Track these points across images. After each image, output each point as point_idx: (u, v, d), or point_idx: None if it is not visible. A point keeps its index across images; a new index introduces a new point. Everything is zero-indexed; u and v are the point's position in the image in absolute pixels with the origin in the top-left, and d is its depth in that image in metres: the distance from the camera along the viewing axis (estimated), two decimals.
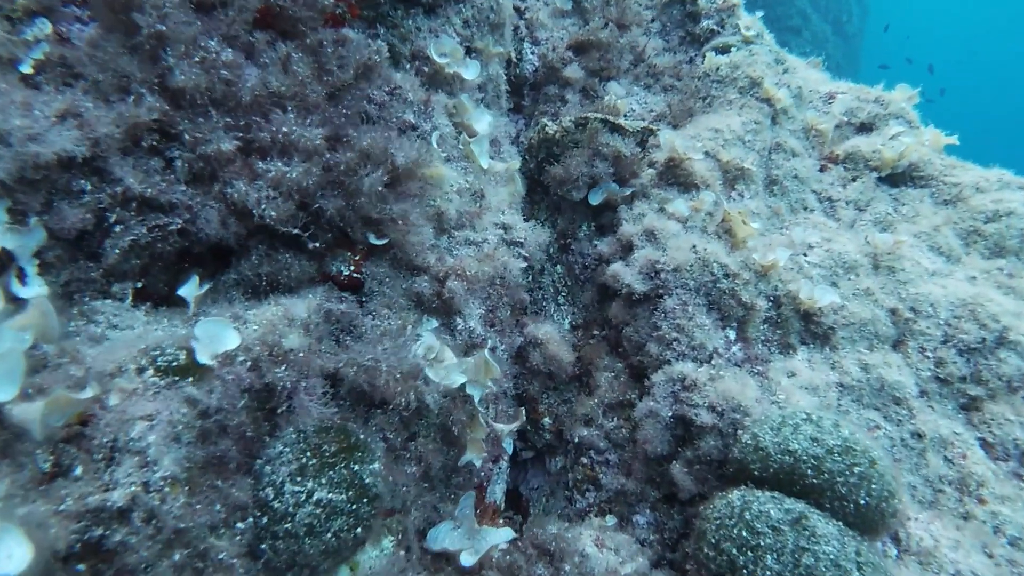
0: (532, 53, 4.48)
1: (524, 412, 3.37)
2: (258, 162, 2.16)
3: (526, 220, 3.95)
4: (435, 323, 2.56)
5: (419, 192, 2.52)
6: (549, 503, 3.48)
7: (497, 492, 3.16)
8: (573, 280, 3.71)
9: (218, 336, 1.87)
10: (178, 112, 2.07)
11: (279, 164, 2.14)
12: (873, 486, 2.32)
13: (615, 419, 3.18)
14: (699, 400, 2.75)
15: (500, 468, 3.11)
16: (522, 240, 2.99)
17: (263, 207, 2.11)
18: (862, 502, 2.30)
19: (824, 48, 21.37)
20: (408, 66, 3.02)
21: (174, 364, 1.75)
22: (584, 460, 3.23)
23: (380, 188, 2.30)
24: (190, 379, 1.77)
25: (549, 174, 3.49)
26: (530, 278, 3.85)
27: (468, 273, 2.50)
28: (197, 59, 2.06)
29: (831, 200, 3.69)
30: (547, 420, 3.39)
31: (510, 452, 3.06)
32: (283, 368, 2.02)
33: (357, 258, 2.53)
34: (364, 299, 2.57)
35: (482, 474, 2.84)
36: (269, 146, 2.17)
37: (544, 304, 3.79)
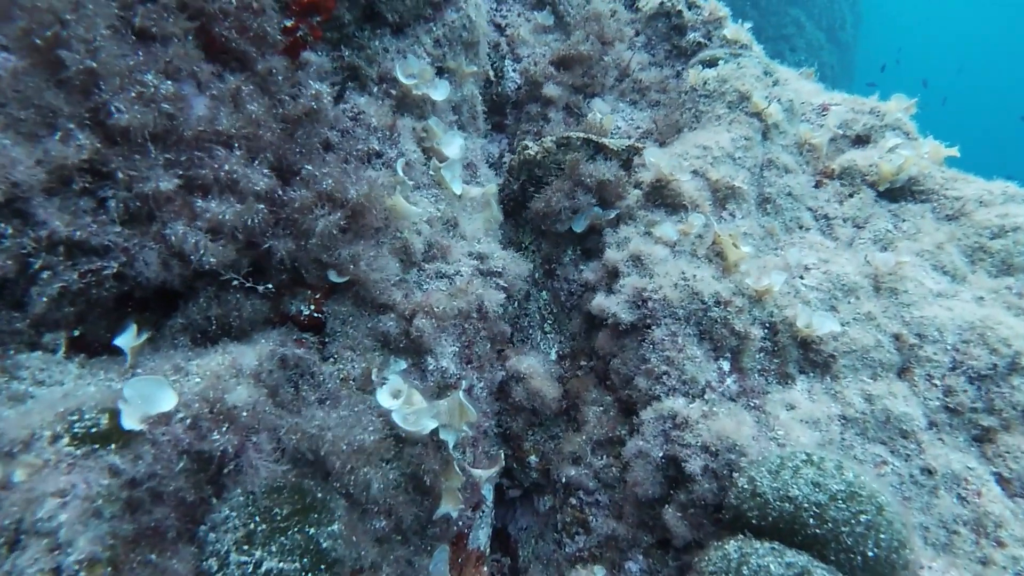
0: (514, 70, 4.33)
1: (504, 455, 3.18)
2: (198, 201, 1.98)
3: (508, 245, 3.79)
4: (403, 364, 2.37)
5: (381, 224, 2.34)
6: (538, 545, 3.27)
7: (481, 537, 2.96)
8: (559, 307, 3.53)
9: (151, 396, 1.69)
10: (112, 149, 1.90)
11: (214, 205, 1.96)
12: (882, 535, 2.12)
13: (604, 457, 2.99)
14: (691, 440, 2.55)
15: (483, 513, 2.91)
16: (500, 270, 2.81)
17: (201, 252, 1.93)
18: (870, 554, 2.10)
19: (819, 56, 21.30)
20: (376, 89, 2.86)
21: (93, 431, 1.56)
22: (573, 501, 3.03)
23: (334, 230, 2.13)
24: (113, 446, 1.58)
25: (531, 209, 3.33)
26: (515, 304, 3.67)
27: (436, 309, 2.32)
28: (133, 94, 1.90)
29: (827, 218, 3.51)
30: (533, 458, 3.19)
31: (491, 499, 2.86)
32: (226, 427, 1.83)
33: (317, 296, 2.35)
34: (326, 339, 2.39)
35: (460, 523, 2.64)
36: (211, 184, 2.00)
37: (530, 332, 3.61)
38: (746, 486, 2.33)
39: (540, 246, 3.69)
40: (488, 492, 2.83)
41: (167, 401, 1.70)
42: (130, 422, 1.61)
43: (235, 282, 2.05)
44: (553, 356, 3.46)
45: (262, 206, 2.09)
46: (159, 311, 2.21)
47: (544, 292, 3.62)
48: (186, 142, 1.99)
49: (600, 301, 3.02)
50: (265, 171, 2.06)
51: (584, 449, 3.01)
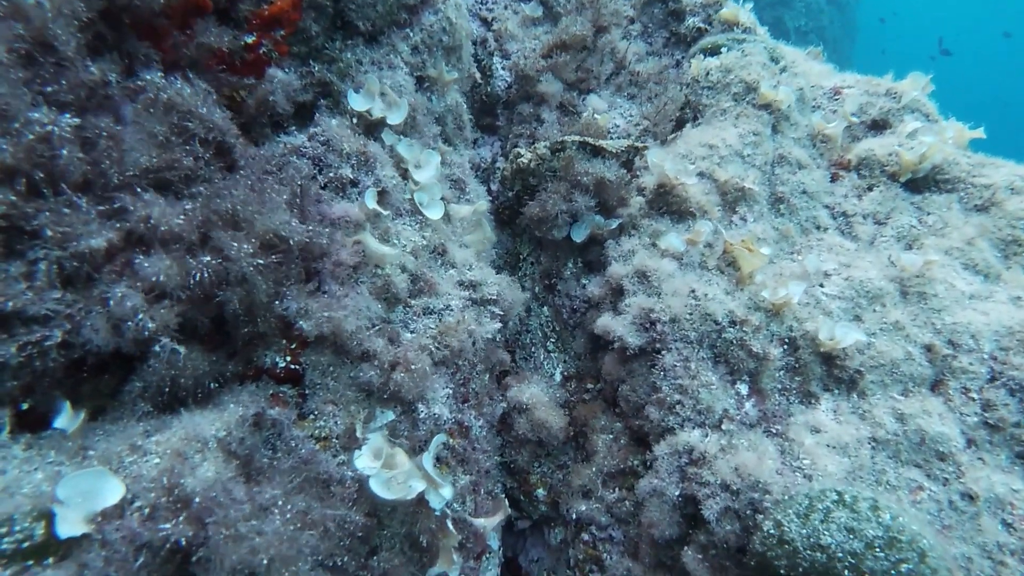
0: (503, 68, 4.07)
1: (510, 488, 2.99)
2: (138, 258, 1.77)
3: (505, 256, 3.56)
4: (391, 415, 2.16)
5: (355, 263, 2.13)
6: None
7: None
8: (562, 325, 3.31)
9: (92, 490, 1.49)
10: (32, 202, 1.68)
11: (147, 264, 1.75)
12: None
13: (616, 490, 2.79)
14: (710, 477, 2.34)
15: (488, 556, 2.71)
16: (494, 297, 2.59)
17: (139, 318, 1.72)
18: None
19: (819, 20, 20.75)
20: (350, 106, 2.62)
21: (25, 546, 1.37)
22: (585, 537, 2.83)
23: (256, 265, 1.90)
24: (50, 560, 1.39)
25: (525, 215, 3.09)
26: (516, 320, 3.46)
27: (414, 367, 2.10)
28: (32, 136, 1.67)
29: (846, 215, 3.26)
30: (541, 491, 3.00)
31: (497, 540, 2.67)
32: (187, 512, 1.63)
33: (293, 347, 2.14)
34: (307, 391, 2.18)
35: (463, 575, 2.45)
36: (150, 238, 1.78)
37: (532, 350, 3.40)
38: (772, 531, 2.12)
39: (539, 258, 3.46)
40: (493, 541, 2.63)
41: (112, 493, 1.50)
42: (68, 527, 1.41)
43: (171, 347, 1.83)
44: (557, 377, 3.25)
45: (208, 257, 1.87)
46: (119, 374, 2.01)
47: (545, 308, 3.40)
48: (116, 188, 1.77)
49: (605, 323, 2.80)
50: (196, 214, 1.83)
51: (594, 482, 2.81)
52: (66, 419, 1.72)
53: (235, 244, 1.91)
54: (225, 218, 1.95)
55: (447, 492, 2.10)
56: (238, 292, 1.89)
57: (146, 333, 1.79)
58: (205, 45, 2.14)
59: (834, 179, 3.41)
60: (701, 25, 3.95)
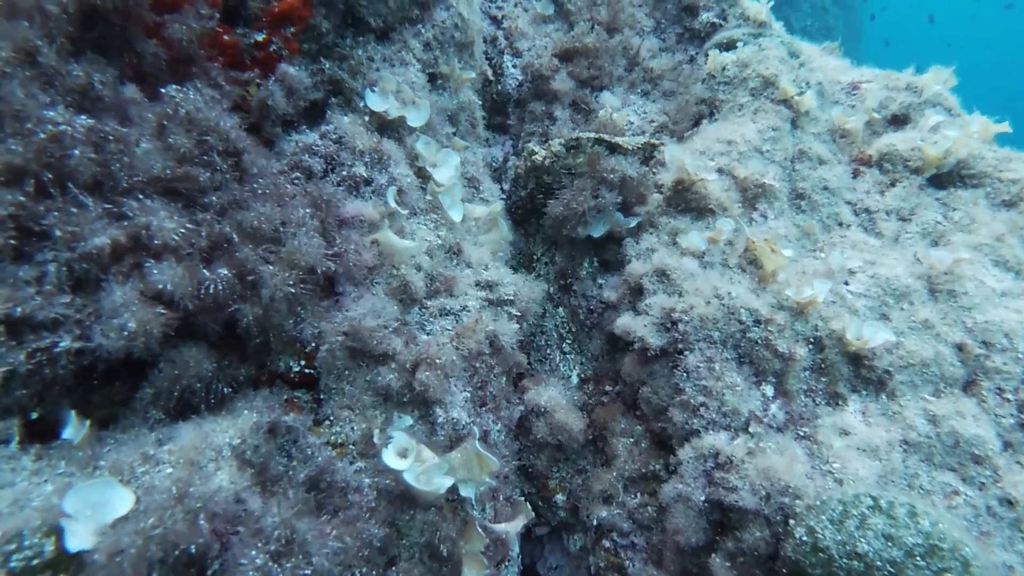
0: (514, 66, 4.01)
1: (528, 494, 2.92)
2: (149, 263, 1.72)
3: (519, 256, 3.50)
4: (409, 420, 2.10)
5: (374, 263, 2.06)
6: None
7: None
8: (578, 326, 3.24)
9: (101, 501, 1.43)
10: (42, 202, 1.63)
11: (155, 271, 1.69)
12: None
13: (638, 495, 2.71)
14: (737, 482, 2.27)
15: (508, 563, 2.64)
16: (511, 297, 2.53)
17: (124, 319, 1.67)
18: None
19: (824, 19, 20.63)
20: (362, 104, 2.56)
21: (35, 563, 1.31)
22: (606, 544, 2.76)
23: (290, 290, 1.85)
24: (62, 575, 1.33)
25: (548, 214, 3.02)
26: (531, 321, 3.39)
27: (439, 360, 2.04)
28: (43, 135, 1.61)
29: (869, 212, 3.18)
30: (560, 497, 2.92)
31: (517, 547, 2.60)
32: (205, 521, 1.57)
33: (308, 350, 2.08)
34: (321, 396, 2.12)
35: None
36: (159, 245, 1.73)
37: (548, 352, 3.33)
38: (805, 538, 2.04)
39: (553, 258, 3.39)
40: (515, 542, 2.56)
41: (121, 503, 1.44)
42: (78, 541, 1.35)
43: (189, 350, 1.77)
44: (574, 380, 3.18)
45: (224, 270, 1.81)
46: (130, 380, 1.95)
47: (561, 309, 3.33)
48: (124, 191, 1.72)
49: (624, 323, 2.72)
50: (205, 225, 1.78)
51: (615, 487, 2.73)
52: (73, 429, 1.66)
53: (269, 267, 1.86)
54: (249, 234, 1.90)
55: (493, 465, 2.06)
56: (253, 311, 1.83)
57: (125, 333, 1.72)
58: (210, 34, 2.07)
59: (855, 175, 3.33)
60: (715, 20, 3.88)
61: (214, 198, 1.94)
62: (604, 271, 3.22)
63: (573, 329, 3.26)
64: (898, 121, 3.57)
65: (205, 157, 1.91)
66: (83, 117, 1.67)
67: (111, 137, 1.76)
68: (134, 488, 1.57)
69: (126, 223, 1.76)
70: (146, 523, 1.49)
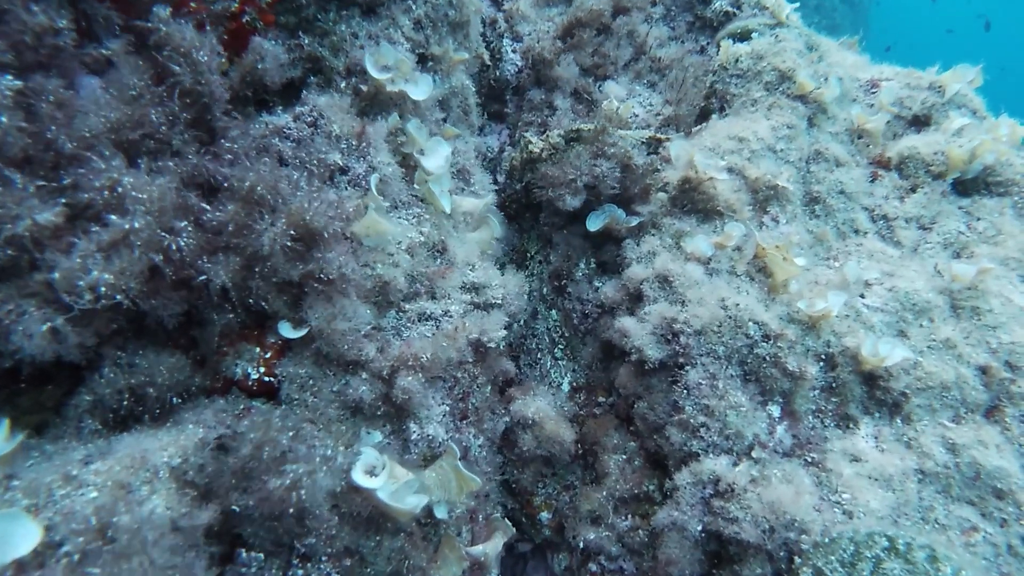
0: (513, 51, 3.79)
1: (511, 509, 2.73)
2: (93, 227, 1.51)
3: (512, 253, 3.29)
4: (378, 436, 1.90)
5: (348, 254, 1.85)
6: None
7: None
8: (572, 331, 3.03)
9: (6, 536, 1.23)
10: None
11: (114, 218, 1.48)
12: None
13: (629, 517, 2.52)
14: (738, 512, 2.07)
15: None
16: (499, 301, 2.32)
17: (93, 275, 1.46)
18: None
19: (832, 17, 20.35)
20: (343, 84, 2.34)
21: None
22: (593, 568, 2.57)
23: (287, 243, 1.65)
24: None
25: (540, 174, 2.79)
26: (521, 323, 3.18)
27: (423, 359, 1.84)
28: None
29: (887, 218, 2.97)
30: (545, 515, 2.73)
31: (496, 568, 2.41)
32: (132, 557, 1.37)
33: (268, 355, 1.87)
34: (283, 407, 1.91)
35: None
36: (102, 205, 1.52)
37: (538, 356, 3.12)
38: None
39: (548, 256, 3.18)
40: (494, 564, 2.37)
41: (25, 540, 1.24)
42: None
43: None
44: (565, 388, 2.97)
45: (184, 223, 1.61)
46: (65, 384, 1.75)
47: (554, 311, 3.12)
48: (67, 159, 1.51)
49: (621, 329, 2.52)
50: (170, 183, 1.57)
51: (605, 507, 2.54)
52: (1, 440, 1.45)
53: (266, 217, 1.65)
54: (245, 195, 1.70)
55: (474, 485, 1.88)
56: (229, 266, 1.62)
57: (101, 290, 1.52)
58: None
59: (873, 179, 3.12)
60: (729, 8, 3.65)
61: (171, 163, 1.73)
62: (601, 273, 3.01)
63: (566, 334, 3.05)
64: (919, 122, 3.36)
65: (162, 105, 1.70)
66: (8, 77, 1.45)
67: (49, 98, 1.54)
68: (50, 515, 1.37)
69: (77, 193, 1.56)
70: (61, 559, 1.29)
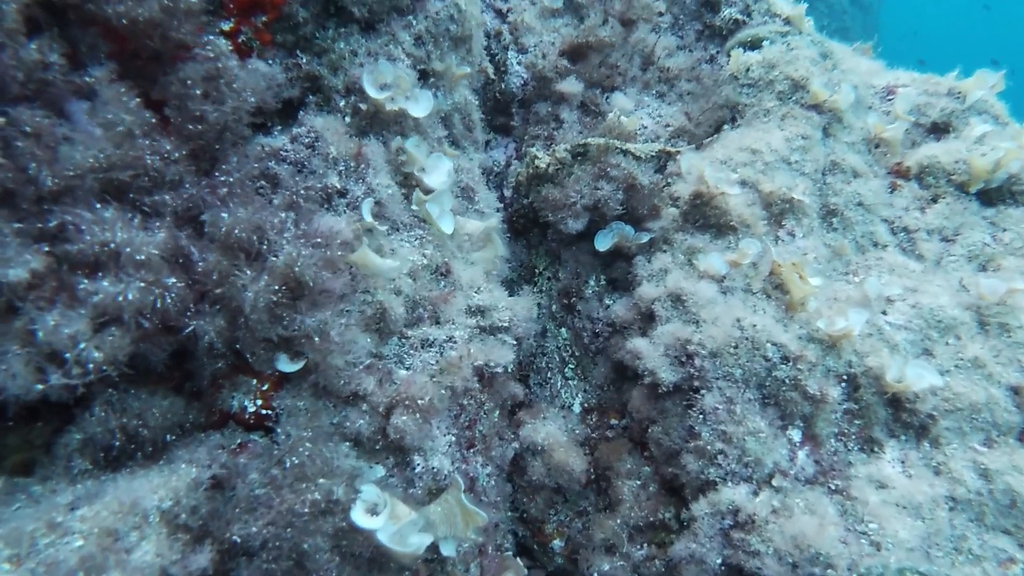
0: (519, 63, 3.71)
1: (521, 536, 2.64)
2: (82, 281, 1.44)
3: (519, 273, 3.21)
4: (381, 471, 1.82)
5: (345, 289, 1.78)
6: None
7: None
8: (582, 350, 2.95)
9: None
10: None
11: (106, 284, 1.42)
12: None
13: (645, 546, 2.42)
14: (759, 545, 1.97)
15: None
16: (506, 324, 2.24)
17: (81, 348, 1.40)
18: None
19: (842, 20, 20.21)
20: (343, 103, 2.28)
21: None
22: None
23: (271, 299, 1.58)
24: None
25: (541, 196, 2.74)
26: (532, 341, 3.10)
27: (421, 402, 1.76)
28: None
29: (907, 231, 2.86)
30: (557, 542, 2.63)
31: None
32: None
33: (265, 388, 1.80)
34: (281, 439, 1.84)
35: None
36: (92, 259, 1.45)
37: (549, 375, 3.04)
38: None
39: (557, 273, 3.10)
40: None
41: None
42: None
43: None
44: (576, 409, 2.88)
45: (174, 279, 1.54)
46: (55, 421, 1.68)
47: (563, 329, 3.04)
48: (49, 197, 1.45)
49: (633, 350, 2.43)
50: (161, 233, 1.50)
51: (619, 536, 2.44)
52: None
53: (247, 272, 1.59)
54: (223, 240, 1.63)
55: (480, 520, 1.79)
56: (216, 320, 1.56)
57: (90, 366, 1.46)
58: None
59: (892, 189, 3.01)
60: (739, 16, 3.56)
61: (167, 197, 1.67)
62: (612, 290, 2.93)
63: (577, 353, 2.97)
64: (939, 129, 3.25)
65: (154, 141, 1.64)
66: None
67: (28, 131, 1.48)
68: (34, 564, 1.30)
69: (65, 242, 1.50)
70: None
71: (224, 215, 1.59)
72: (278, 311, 1.63)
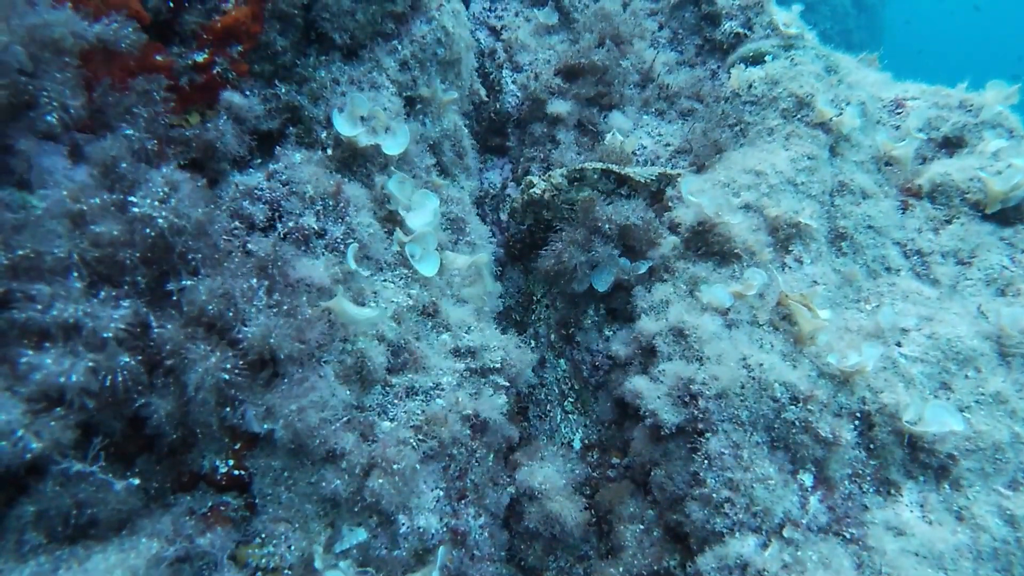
0: (513, 82, 3.61)
1: None
2: (26, 354, 1.33)
3: (517, 300, 3.09)
4: (363, 534, 1.70)
5: (321, 340, 1.67)
6: None
7: None
8: (581, 383, 2.82)
9: None
10: None
11: (48, 361, 1.31)
12: None
13: None
14: None
15: None
16: (498, 365, 2.12)
17: (18, 436, 1.28)
18: None
19: (844, 23, 20.05)
20: (324, 134, 2.18)
21: None
22: None
23: (223, 376, 1.46)
24: None
25: (538, 267, 2.64)
26: (530, 372, 2.97)
27: (396, 466, 1.64)
28: None
29: (921, 254, 2.73)
30: None
31: None
32: None
33: (237, 447, 1.69)
34: (256, 501, 1.72)
35: None
36: (43, 330, 1.35)
37: (548, 408, 2.91)
38: None
39: (555, 302, 2.98)
40: None
41: None
42: None
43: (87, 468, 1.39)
44: (577, 444, 2.76)
45: (127, 358, 1.43)
46: (8, 489, 1.57)
47: (562, 360, 2.92)
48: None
49: (634, 389, 2.30)
50: (123, 303, 1.39)
51: None
52: None
53: (203, 348, 1.48)
54: (191, 318, 1.52)
55: None
56: (165, 403, 1.45)
57: (28, 456, 1.35)
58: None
59: (904, 209, 2.88)
60: (740, 30, 3.44)
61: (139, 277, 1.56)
62: (612, 320, 2.80)
63: (576, 386, 2.84)
64: (951, 144, 3.12)
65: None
66: None
67: None
68: None
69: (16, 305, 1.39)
70: None
71: (200, 290, 1.48)
72: (228, 391, 1.52)
